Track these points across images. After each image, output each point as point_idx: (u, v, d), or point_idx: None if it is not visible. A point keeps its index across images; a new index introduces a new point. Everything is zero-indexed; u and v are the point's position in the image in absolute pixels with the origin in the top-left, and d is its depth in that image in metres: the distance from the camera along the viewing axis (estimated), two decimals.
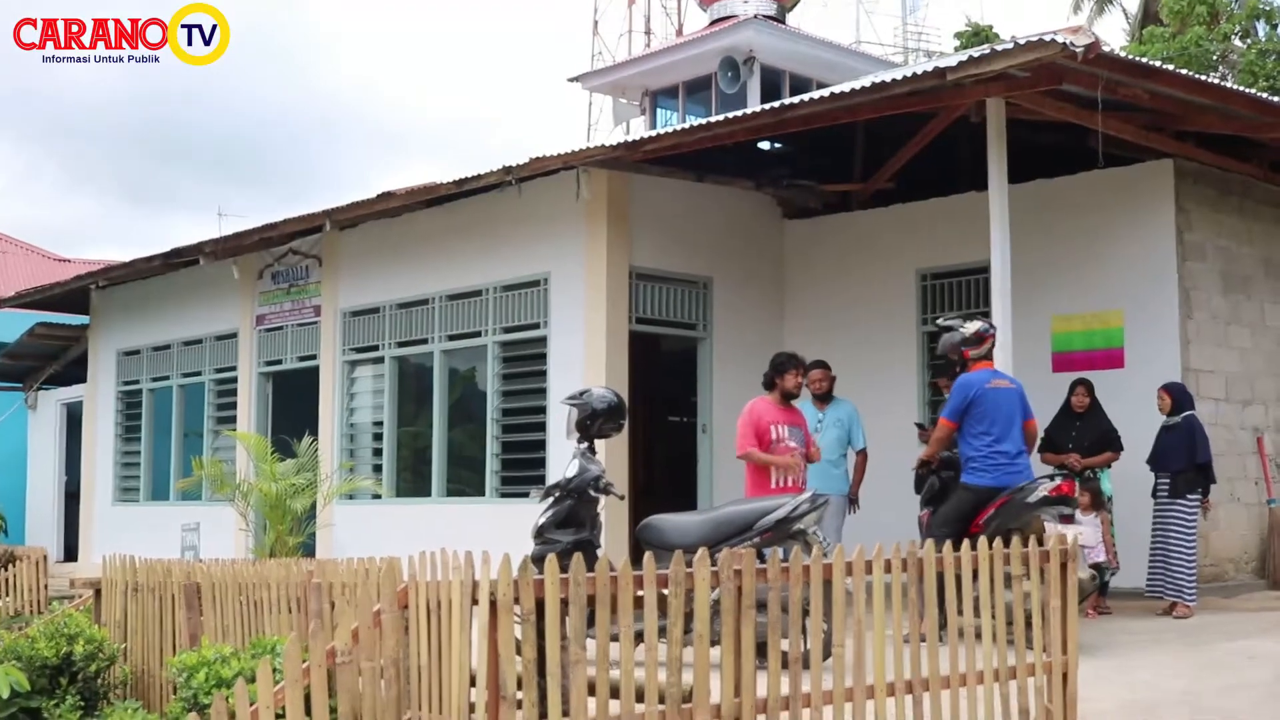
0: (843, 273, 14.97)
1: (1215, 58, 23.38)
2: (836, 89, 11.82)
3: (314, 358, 16.87)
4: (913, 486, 11.41)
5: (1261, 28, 23.93)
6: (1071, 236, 13.15)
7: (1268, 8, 23.80)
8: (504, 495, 14.35)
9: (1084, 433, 11.90)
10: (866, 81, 11.42)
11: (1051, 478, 10.07)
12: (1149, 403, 12.22)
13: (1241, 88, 12.61)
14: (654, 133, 13.89)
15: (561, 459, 11.97)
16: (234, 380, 18.22)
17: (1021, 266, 11.41)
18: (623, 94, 26.29)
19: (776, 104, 11.99)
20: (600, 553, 9.13)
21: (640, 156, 13.09)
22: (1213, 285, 13.00)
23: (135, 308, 20.18)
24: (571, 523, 9.32)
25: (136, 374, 20.32)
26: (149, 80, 71.65)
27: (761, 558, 7.78)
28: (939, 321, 10.86)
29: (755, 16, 24.08)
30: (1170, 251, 12.61)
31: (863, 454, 11.94)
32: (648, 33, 34.48)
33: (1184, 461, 11.35)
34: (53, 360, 23.64)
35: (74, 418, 22.71)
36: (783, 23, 25.06)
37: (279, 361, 17.65)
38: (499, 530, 12.76)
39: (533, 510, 9.64)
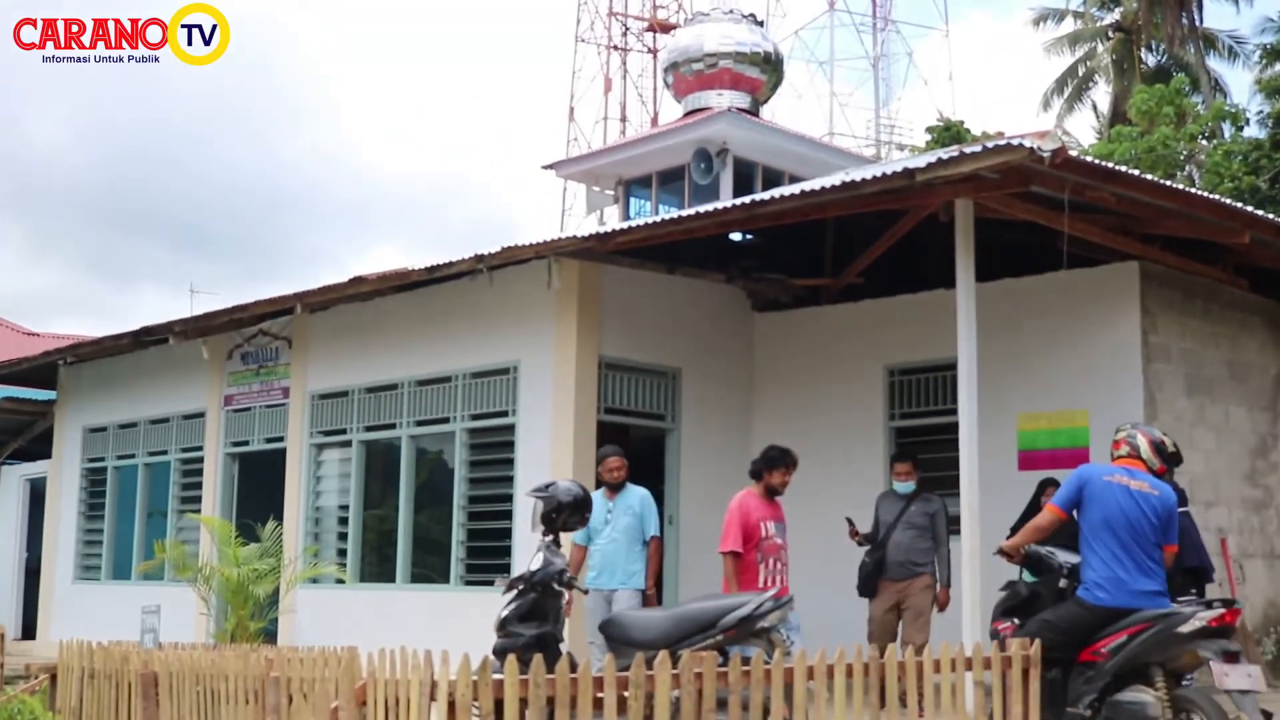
0: (811, 366, 15.03)
1: (1182, 158, 23.72)
2: (807, 186, 11.94)
3: (281, 440, 16.80)
4: (856, 587, 11.58)
5: (1227, 129, 24.30)
6: (1038, 335, 13.25)
7: (1233, 110, 24.19)
8: (468, 583, 14.27)
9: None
10: (837, 180, 11.55)
11: (1209, 604, 8.17)
12: None
13: (1206, 193, 12.80)
14: (626, 225, 13.99)
15: (527, 548, 11.94)
16: (200, 460, 18.12)
17: (988, 364, 11.48)
18: (596, 182, 26.47)
19: (748, 199, 12.10)
20: (564, 647, 9.09)
21: (612, 248, 13.17)
22: (1177, 387, 13.09)
23: (103, 384, 20.10)
24: (534, 616, 9.25)
25: (102, 451, 20.20)
26: (115, 148, 71.66)
27: (725, 654, 7.77)
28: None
29: (729, 109, 24.32)
30: (1136, 353, 12.71)
31: (656, 541, 11.61)
32: (623, 120, 34.84)
33: (1173, 565, 11.33)
34: (18, 435, 23.49)
35: (37, 493, 22.52)
36: (756, 115, 25.32)
37: (246, 442, 17.57)
38: (462, 619, 12.76)
39: (496, 599, 9.58)
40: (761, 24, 26.71)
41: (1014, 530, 12.01)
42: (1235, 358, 13.95)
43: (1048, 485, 12.10)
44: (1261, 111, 24.84)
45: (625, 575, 11.33)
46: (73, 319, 76.40)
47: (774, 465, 10.54)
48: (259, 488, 17.33)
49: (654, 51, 37.27)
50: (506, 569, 13.11)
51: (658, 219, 13.24)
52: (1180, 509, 11.42)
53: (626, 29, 37.90)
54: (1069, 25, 37.06)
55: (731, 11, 25.92)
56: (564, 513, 9.56)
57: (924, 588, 11.55)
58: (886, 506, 11.94)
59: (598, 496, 11.14)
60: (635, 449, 15.69)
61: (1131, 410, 12.65)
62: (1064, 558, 8.63)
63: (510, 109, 75.43)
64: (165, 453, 18.95)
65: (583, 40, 38.10)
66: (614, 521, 11.40)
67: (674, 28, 34.24)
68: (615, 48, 37.68)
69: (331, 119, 78.27)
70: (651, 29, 37.47)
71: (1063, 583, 8.54)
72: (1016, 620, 8.85)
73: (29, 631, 21.48)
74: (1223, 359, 13.77)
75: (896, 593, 11.61)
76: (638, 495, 11.60)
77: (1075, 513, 8.34)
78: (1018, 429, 13.27)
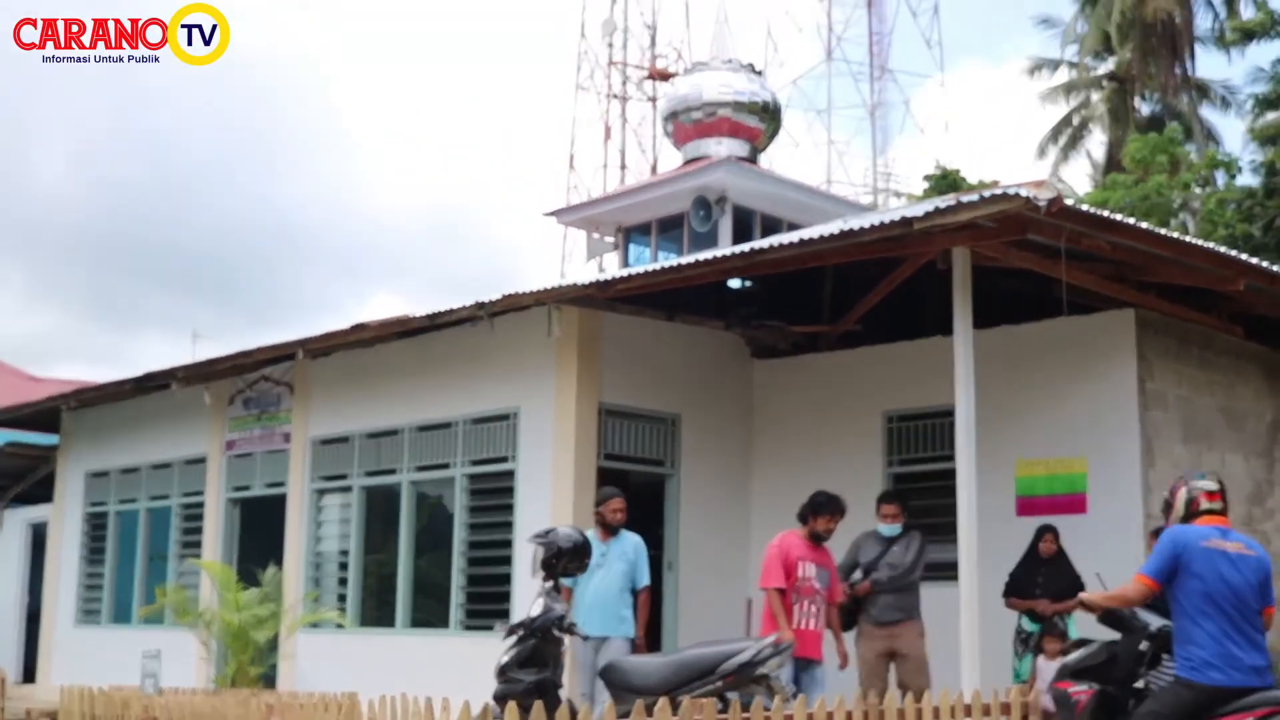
0: (809, 413, 15.09)
1: (1176, 206, 23.88)
2: (806, 234, 12.05)
3: (282, 485, 16.85)
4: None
5: (1221, 177, 24.46)
6: (1036, 382, 13.33)
7: (1226, 158, 24.36)
8: (468, 628, 14.30)
9: (1051, 579, 11.97)
10: (835, 228, 11.66)
11: None
12: (1111, 549, 12.36)
13: (1201, 241, 12.90)
14: (626, 272, 14.08)
15: (526, 593, 11.98)
16: (201, 505, 18.16)
17: (986, 410, 11.54)
18: (596, 229, 26.61)
19: (747, 247, 12.23)
20: (563, 694, 9.13)
21: (612, 295, 13.27)
22: (1174, 434, 13.16)
23: (105, 429, 20.16)
24: (534, 662, 9.28)
25: (104, 496, 20.24)
26: (116, 192, 71.90)
27: (724, 701, 7.81)
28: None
29: (728, 157, 24.48)
30: (1132, 400, 12.78)
31: (648, 591, 11.50)
32: (623, 167, 35.05)
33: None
34: (20, 479, 23.53)
35: (39, 537, 22.54)
36: (755, 163, 25.48)
37: (247, 488, 17.62)
38: (462, 664, 12.78)
39: (496, 645, 9.61)
40: (760, 73, 26.91)
41: (1013, 579, 12.11)
42: (1231, 405, 14.03)
43: (1045, 532, 12.18)
44: (1254, 160, 25.01)
45: (617, 621, 11.16)
46: (74, 363, 76.35)
47: (820, 511, 10.52)
48: (260, 533, 17.36)
49: (653, 100, 37.51)
50: (506, 614, 13.15)
51: (657, 266, 13.34)
52: None
53: (626, 77, 38.15)
54: (1064, 75, 37.41)
55: (730, 61, 26.12)
56: (564, 558, 9.61)
57: (918, 635, 11.33)
58: (868, 548, 11.59)
59: (591, 538, 10.92)
60: (633, 494, 15.79)
61: (1128, 457, 12.74)
62: (1147, 618, 8.11)
63: (511, 155, 75.76)
64: (167, 498, 19.00)
65: (583, 88, 38.36)
66: (608, 565, 11.22)
67: (673, 76, 34.45)
68: (615, 96, 37.94)
69: (333, 164, 78.57)
70: (651, 77, 37.72)
71: (1144, 645, 8.07)
72: (1094, 685, 8.19)
73: (30, 675, 21.47)
74: (1218, 406, 13.85)
75: (886, 638, 11.27)
76: (632, 542, 11.46)
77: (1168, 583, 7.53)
78: (1016, 475, 13.34)
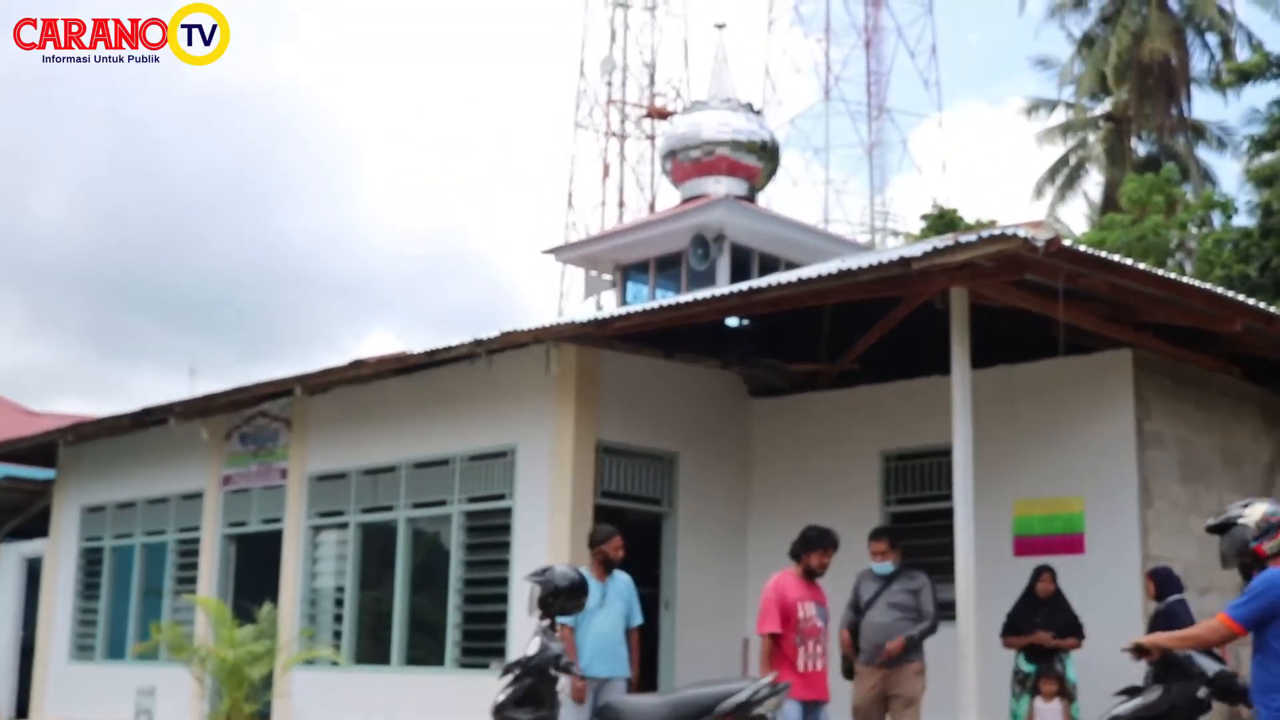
0: (807, 452, 15.09)
1: (1173, 246, 23.97)
2: (804, 273, 12.10)
3: (279, 521, 16.82)
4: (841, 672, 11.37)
5: (1217, 218, 24.56)
6: (1033, 422, 13.34)
7: (1223, 199, 24.46)
8: (464, 665, 14.25)
9: (1049, 619, 11.96)
10: (833, 267, 11.69)
11: None
12: (1108, 588, 12.39)
13: (1198, 282, 12.93)
14: (624, 311, 14.12)
15: (523, 632, 11.96)
16: (197, 541, 18.13)
17: (984, 450, 11.56)
18: (594, 266, 26.64)
19: (745, 286, 12.25)
20: None
21: (610, 333, 13.30)
22: (1172, 474, 13.16)
23: (102, 464, 20.13)
24: (530, 701, 9.26)
25: (100, 530, 20.19)
26: (113, 225, 72.02)
27: None
28: (1210, 522, 7.80)
29: (726, 196, 24.55)
30: (1130, 440, 12.79)
31: (639, 631, 11.34)
32: (621, 205, 35.16)
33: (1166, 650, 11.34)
34: (16, 513, 23.47)
35: (34, 572, 22.48)
36: (753, 202, 25.55)
37: (243, 523, 17.59)
38: (458, 701, 12.78)
39: (492, 683, 9.59)
40: (758, 112, 27.00)
41: (1011, 618, 12.08)
42: (1229, 445, 14.04)
43: (1043, 571, 12.16)
44: (1250, 201, 25.12)
45: (619, 662, 11.02)
46: (71, 397, 76.43)
47: (812, 546, 10.35)
48: (256, 569, 17.33)
49: (652, 138, 37.67)
50: (502, 653, 13.11)
51: (655, 305, 13.38)
52: (1175, 595, 11.54)
53: (625, 116, 38.31)
54: (1061, 115, 37.56)
55: (729, 100, 26.20)
56: (560, 597, 9.60)
57: (914, 674, 11.01)
58: (865, 586, 11.45)
59: (588, 577, 10.63)
60: (630, 533, 15.77)
61: (1126, 497, 12.74)
62: (1204, 663, 7.88)
63: (509, 192, 76.03)
64: (163, 533, 18.96)
65: (581, 126, 38.51)
66: (608, 605, 11.05)
67: (671, 115, 34.61)
68: (614, 134, 38.08)
69: (330, 200, 78.73)
70: (649, 116, 37.88)
71: (1202, 692, 7.81)
72: None
73: (23, 710, 21.38)
74: (1216, 446, 13.86)
75: (881, 679, 11.04)
76: (625, 580, 11.32)
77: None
78: (1013, 515, 13.33)
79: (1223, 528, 7.42)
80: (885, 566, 11.36)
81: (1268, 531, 7.21)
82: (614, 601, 11.13)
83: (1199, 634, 7.51)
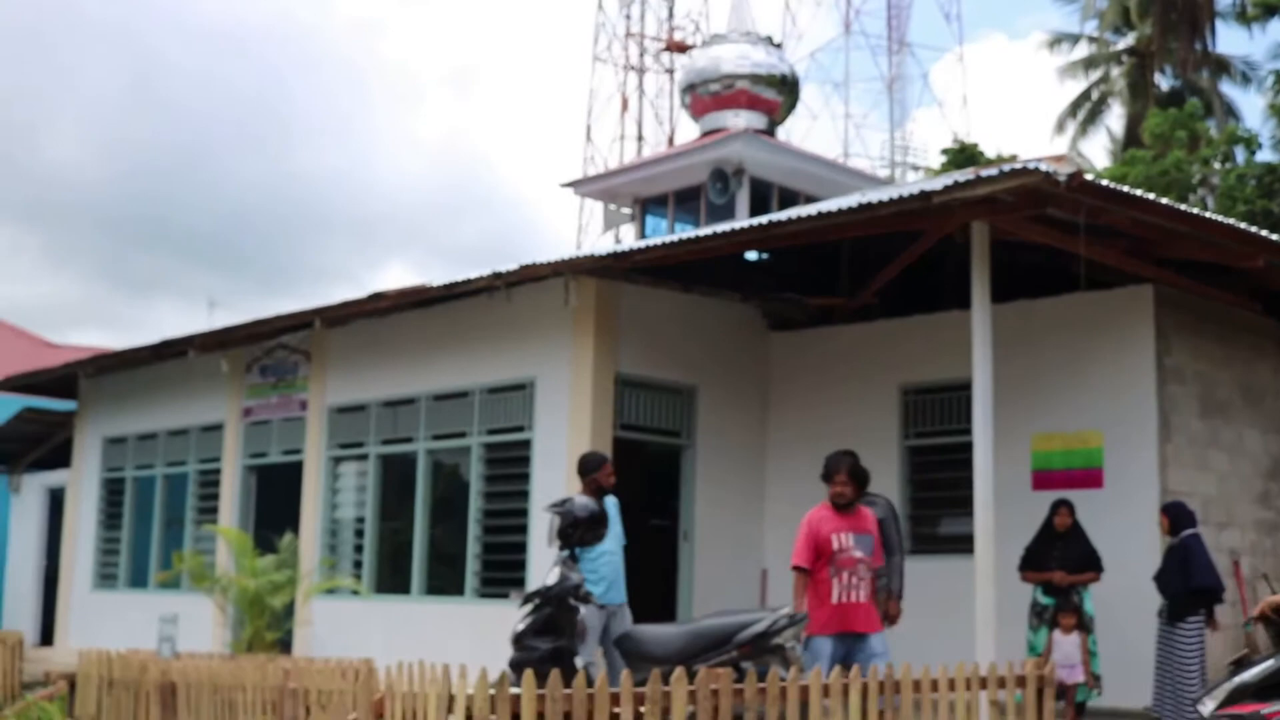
0: (826, 386, 15.10)
1: (1195, 182, 23.79)
2: (824, 207, 12.03)
3: (299, 452, 16.91)
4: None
5: (1240, 153, 24.37)
6: (1053, 357, 13.32)
7: (1246, 135, 24.27)
8: (483, 596, 14.35)
9: (1066, 552, 11.98)
10: (853, 201, 11.63)
11: None
12: (1126, 523, 12.41)
13: (1220, 217, 12.87)
14: (643, 244, 14.08)
15: (541, 562, 12.03)
16: (218, 472, 18.24)
17: (1003, 385, 11.53)
18: (613, 200, 26.57)
19: (764, 219, 12.19)
20: (579, 661, 9.17)
21: (629, 266, 13.28)
22: (1191, 409, 13.16)
23: (123, 396, 20.24)
24: (550, 630, 9.34)
25: (121, 461, 20.33)
26: (131, 161, 72.05)
27: (740, 670, 7.84)
28: None
29: (746, 130, 24.42)
30: (1150, 375, 12.78)
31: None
32: (639, 139, 34.99)
33: (1179, 584, 11.41)
34: (39, 444, 23.65)
35: (57, 502, 22.68)
36: (772, 136, 25.43)
37: (264, 455, 17.68)
38: (477, 631, 12.87)
39: (511, 613, 9.66)
40: (778, 46, 26.81)
41: (1029, 552, 12.10)
42: (1249, 380, 14.01)
43: (1060, 505, 12.17)
44: (1274, 136, 24.95)
45: (624, 589, 10.84)
46: (89, 330, 76.73)
47: (828, 474, 9.94)
48: (276, 500, 17.44)
49: (671, 72, 37.42)
50: (521, 583, 13.20)
51: (675, 238, 13.35)
52: (1189, 530, 11.57)
53: (644, 49, 38.03)
54: (1083, 50, 37.19)
55: (748, 33, 26.03)
56: (580, 528, 9.67)
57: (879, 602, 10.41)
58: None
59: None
60: (647, 465, 15.86)
61: (1145, 432, 12.74)
62: None
63: (526, 126, 75.69)
64: (184, 464, 19.08)
65: (600, 60, 38.25)
66: (612, 531, 10.75)
67: (691, 49, 34.36)
68: (632, 68, 37.83)
69: (347, 135, 78.59)
70: (668, 49, 37.60)
71: None
72: None
73: (47, 638, 21.64)
74: (1236, 382, 13.83)
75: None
76: (615, 505, 10.96)
77: None
78: (1031, 449, 13.34)
79: None
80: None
81: None
82: (615, 527, 10.90)
83: None
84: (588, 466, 10.78)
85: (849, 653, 9.26)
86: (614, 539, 10.80)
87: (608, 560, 10.70)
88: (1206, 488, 13.22)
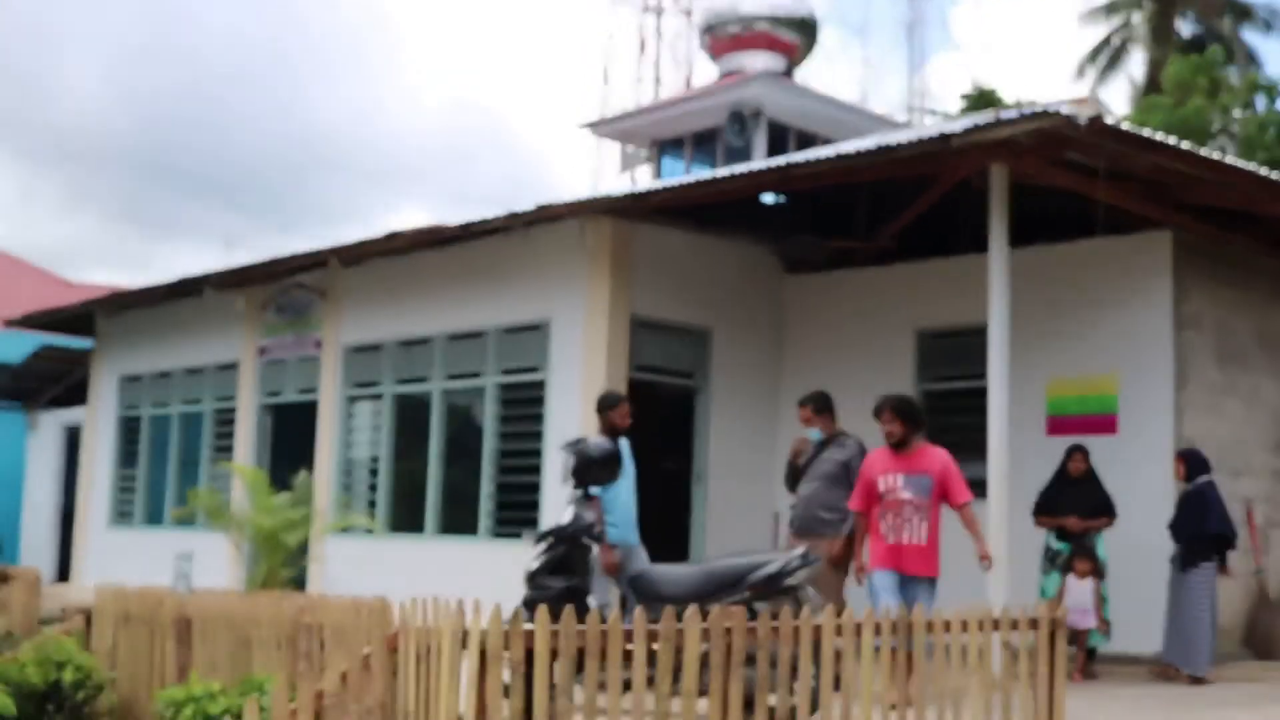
0: (841, 329, 15.08)
1: (1215, 129, 23.61)
2: (842, 149, 11.95)
3: (314, 391, 16.96)
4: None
5: (1261, 101, 24.19)
6: (1069, 302, 13.28)
7: (1268, 82, 24.07)
8: (497, 535, 14.42)
9: (1080, 498, 11.98)
10: (871, 143, 11.58)
11: None
12: (1141, 469, 12.40)
13: (1241, 162, 12.76)
14: (660, 185, 14.02)
15: (555, 502, 12.07)
16: (234, 410, 18.31)
17: (1019, 329, 11.52)
18: (630, 142, 26.47)
19: (782, 161, 12.15)
20: (592, 600, 9.20)
21: (646, 207, 13.25)
22: (1208, 356, 13.12)
23: (139, 334, 20.30)
24: (564, 569, 9.36)
25: (137, 399, 20.41)
26: (148, 102, 71.94)
27: (752, 611, 7.86)
28: None
29: (764, 72, 24.28)
30: (1167, 321, 12.74)
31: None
32: (657, 81, 34.76)
33: (1193, 530, 11.43)
34: (56, 382, 23.76)
35: (74, 440, 22.81)
36: (791, 79, 25.27)
37: (279, 394, 17.74)
38: (491, 570, 12.90)
39: (525, 551, 9.69)
40: None
41: (1043, 497, 12.09)
42: (1267, 328, 13.95)
43: (1075, 451, 12.16)
44: None
45: (636, 529, 10.76)
46: (106, 269, 76.87)
47: (876, 415, 9.87)
48: (291, 438, 17.52)
49: (689, 13, 37.12)
50: (535, 522, 13.25)
51: (692, 179, 13.31)
52: (1204, 477, 11.58)
53: None
54: None
55: None
56: (594, 468, 9.68)
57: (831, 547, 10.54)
58: (804, 454, 11.16)
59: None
60: (661, 406, 15.85)
61: (1161, 378, 12.71)
62: None
63: (544, 68, 75.26)
64: (199, 402, 19.16)
65: (618, 1, 38.00)
66: (626, 472, 10.66)
67: None
68: (650, 9, 37.53)
69: (363, 74, 78.30)
70: None
71: None
72: None
73: (64, 575, 21.80)
74: (1254, 328, 13.78)
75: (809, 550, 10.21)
76: (626, 445, 10.84)
77: None
78: (1047, 394, 13.32)
79: None
80: (813, 433, 11.13)
81: None
82: (628, 467, 10.79)
83: None
84: (603, 404, 10.79)
85: (903, 595, 9.41)
86: (627, 480, 10.74)
87: (621, 501, 10.66)
88: (1221, 435, 13.19)
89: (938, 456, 9.82)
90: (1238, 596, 13.36)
